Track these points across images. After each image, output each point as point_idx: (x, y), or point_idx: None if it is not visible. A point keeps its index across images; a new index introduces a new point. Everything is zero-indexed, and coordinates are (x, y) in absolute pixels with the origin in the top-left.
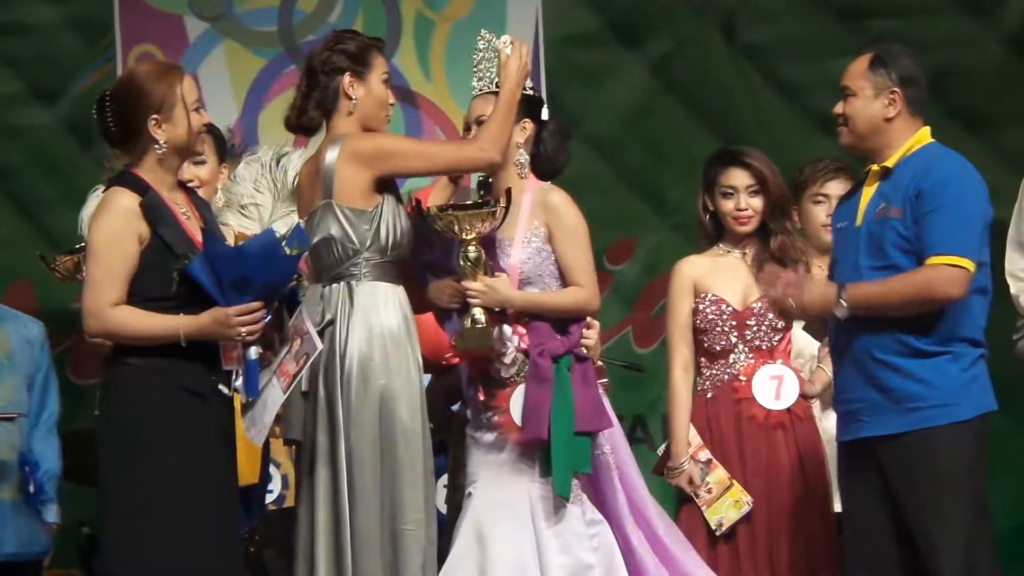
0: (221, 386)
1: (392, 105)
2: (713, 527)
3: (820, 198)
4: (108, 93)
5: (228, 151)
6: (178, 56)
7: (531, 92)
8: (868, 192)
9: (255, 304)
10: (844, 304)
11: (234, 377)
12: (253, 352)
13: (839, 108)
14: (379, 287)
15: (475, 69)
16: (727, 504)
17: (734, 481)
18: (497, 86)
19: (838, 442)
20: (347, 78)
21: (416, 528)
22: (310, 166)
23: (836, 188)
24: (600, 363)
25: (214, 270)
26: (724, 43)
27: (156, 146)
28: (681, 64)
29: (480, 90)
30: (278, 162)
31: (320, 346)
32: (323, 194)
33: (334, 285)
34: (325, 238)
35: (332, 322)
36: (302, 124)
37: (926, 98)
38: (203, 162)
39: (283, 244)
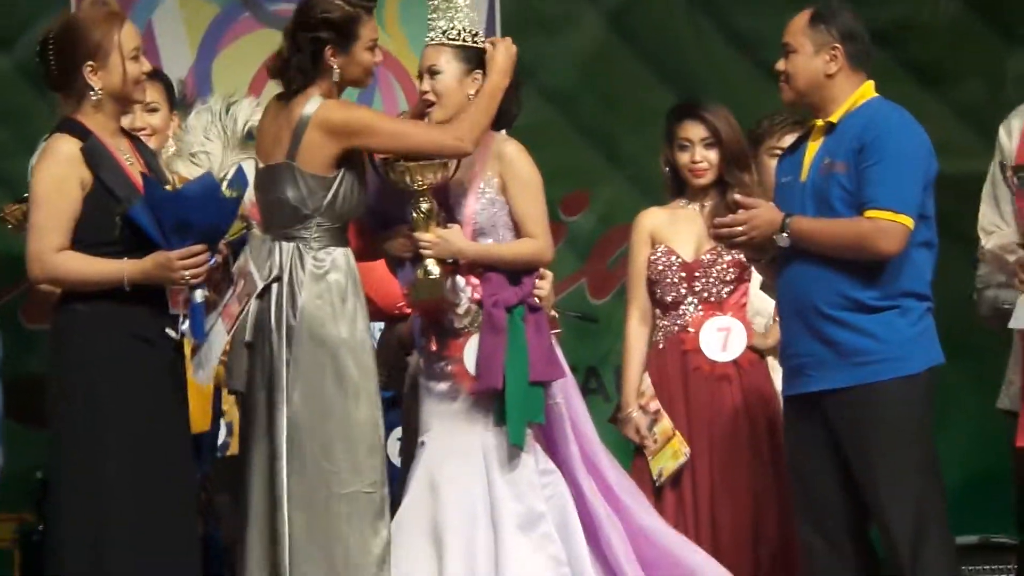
0: (168, 330)
1: (378, 64)
2: (654, 477)
3: (777, 151)
4: (49, 36)
5: (179, 102)
6: (131, 2)
7: (483, 44)
8: (813, 147)
9: (198, 247)
10: (787, 234)
11: (181, 321)
12: (199, 295)
13: (780, 65)
14: (329, 252)
15: (429, 17)
16: (667, 455)
17: (676, 432)
18: (449, 37)
19: (784, 397)
20: (329, 50)
21: (375, 490)
22: (280, 114)
23: None
24: (554, 313)
25: (155, 214)
26: None
27: (91, 92)
28: (637, 15)
29: (433, 39)
30: (228, 110)
31: (260, 284)
32: (287, 152)
33: (284, 243)
34: (280, 198)
35: (279, 279)
36: (283, 81)
37: (869, 52)
38: (155, 110)
39: (223, 186)
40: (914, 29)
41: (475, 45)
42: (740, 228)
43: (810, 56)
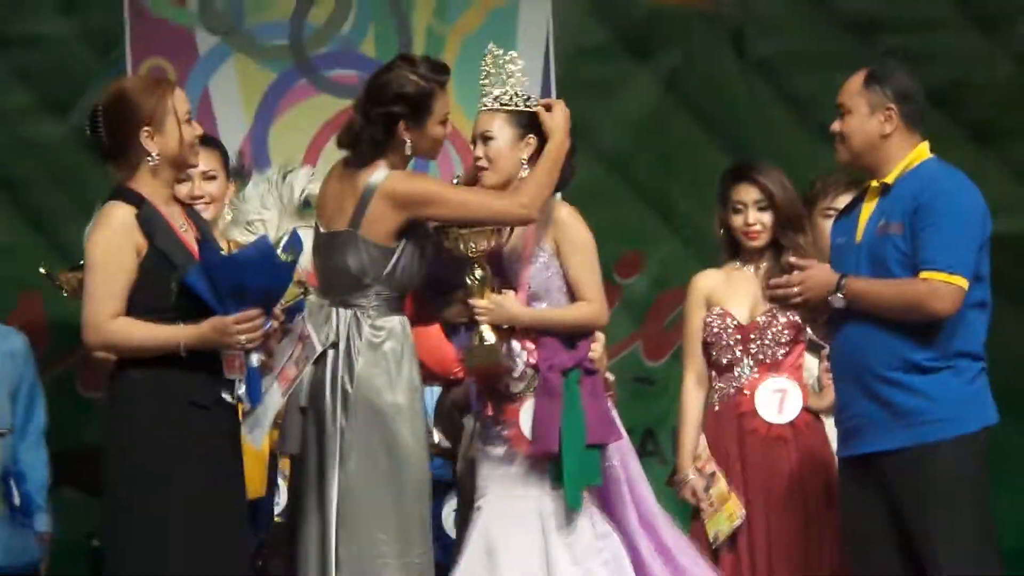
0: (225, 395)
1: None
2: (710, 540)
3: (831, 212)
4: (99, 107)
5: (236, 171)
6: (188, 70)
7: (536, 108)
8: (868, 208)
9: (254, 311)
10: (842, 295)
11: (237, 386)
12: (255, 359)
13: (836, 126)
14: (386, 320)
15: (482, 83)
16: (723, 517)
17: (732, 494)
18: (502, 103)
19: (839, 458)
20: (402, 124)
21: (423, 560)
22: (345, 180)
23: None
24: (609, 376)
25: (211, 279)
26: (734, 56)
27: (149, 158)
28: (691, 77)
29: (486, 105)
30: (284, 179)
31: (320, 348)
32: (350, 220)
33: (342, 310)
34: (340, 266)
35: (336, 345)
36: (353, 152)
37: (923, 112)
38: (213, 177)
39: (278, 250)
40: (969, 88)
41: (528, 109)
42: (795, 289)
43: (865, 116)
